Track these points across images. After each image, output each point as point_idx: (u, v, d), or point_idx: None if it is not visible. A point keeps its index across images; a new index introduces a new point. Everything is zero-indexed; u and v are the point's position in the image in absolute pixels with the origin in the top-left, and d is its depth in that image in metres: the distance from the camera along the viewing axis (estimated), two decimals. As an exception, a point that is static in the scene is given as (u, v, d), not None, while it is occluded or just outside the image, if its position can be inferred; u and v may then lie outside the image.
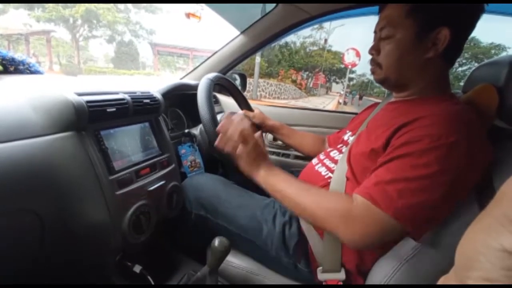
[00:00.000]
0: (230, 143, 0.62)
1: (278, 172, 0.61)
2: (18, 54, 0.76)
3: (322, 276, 0.63)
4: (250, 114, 1.00)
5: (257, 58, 11.99)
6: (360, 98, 28.41)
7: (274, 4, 1.10)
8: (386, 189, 0.47)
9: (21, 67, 0.76)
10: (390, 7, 0.59)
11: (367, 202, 0.48)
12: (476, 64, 1.22)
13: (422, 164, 0.46)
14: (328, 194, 0.57)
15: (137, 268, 0.68)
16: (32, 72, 0.79)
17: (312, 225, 0.64)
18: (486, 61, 0.65)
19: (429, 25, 0.55)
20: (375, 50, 0.63)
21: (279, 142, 1.30)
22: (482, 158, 0.48)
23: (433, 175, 0.45)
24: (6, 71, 0.73)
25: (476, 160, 0.47)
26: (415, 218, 0.46)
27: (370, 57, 0.66)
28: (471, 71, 0.71)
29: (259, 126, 1.01)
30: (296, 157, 1.31)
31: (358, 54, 15.66)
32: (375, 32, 0.64)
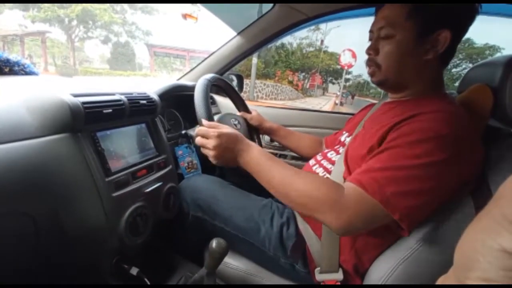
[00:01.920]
0: (208, 145, 0.61)
1: (257, 156, 0.59)
2: (13, 55, 0.75)
3: (320, 277, 0.63)
4: (248, 116, 0.99)
5: (254, 59, 12.00)
6: (352, 97, 29.21)
7: (270, 5, 1.10)
8: (375, 176, 0.48)
9: (16, 68, 0.75)
10: (389, 7, 0.59)
11: (356, 188, 0.49)
12: (471, 65, 1.23)
13: (411, 154, 0.47)
14: (317, 179, 0.54)
15: (134, 271, 0.67)
16: (27, 73, 0.78)
17: (297, 210, 0.59)
18: (481, 61, 0.66)
19: (429, 27, 0.55)
20: (373, 50, 0.62)
21: (276, 143, 1.30)
22: (472, 157, 0.49)
23: (421, 166, 0.46)
24: (1, 72, 0.72)
25: (465, 156, 0.47)
26: (402, 207, 0.46)
27: (366, 58, 0.65)
28: (466, 71, 0.72)
29: (256, 128, 1.00)
30: (293, 158, 1.31)
31: (354, 55, 15.71)
32: (371, 31, 0.63)
